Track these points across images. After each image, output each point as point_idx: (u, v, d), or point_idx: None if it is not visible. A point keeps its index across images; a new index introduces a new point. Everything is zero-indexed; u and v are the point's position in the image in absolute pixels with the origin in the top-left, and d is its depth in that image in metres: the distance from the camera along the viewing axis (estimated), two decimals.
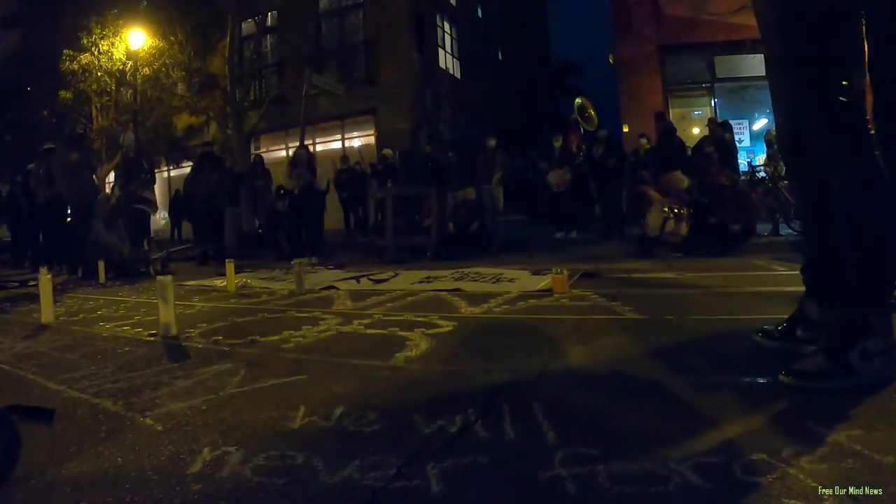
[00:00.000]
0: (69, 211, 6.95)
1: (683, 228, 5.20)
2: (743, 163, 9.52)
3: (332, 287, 3.81)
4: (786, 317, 1.68)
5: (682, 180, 5.74)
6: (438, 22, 15.51)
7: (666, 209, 5.26)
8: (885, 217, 1.36)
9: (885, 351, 1.28)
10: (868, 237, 1.36)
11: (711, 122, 8.74)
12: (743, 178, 7.56)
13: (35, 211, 7.44)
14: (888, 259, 1.35)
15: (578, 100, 5.61)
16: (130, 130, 9.64)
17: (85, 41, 11.99)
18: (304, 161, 7.56)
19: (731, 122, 9.06)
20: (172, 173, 15.64)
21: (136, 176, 6.88)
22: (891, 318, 1.32)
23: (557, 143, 8.11)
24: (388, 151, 9.92)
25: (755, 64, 11.23)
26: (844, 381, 1.27)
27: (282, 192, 8.29)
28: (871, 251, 1.35)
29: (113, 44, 11.96)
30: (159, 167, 15.34)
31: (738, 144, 9.75)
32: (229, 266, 4.09)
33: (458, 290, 3.38)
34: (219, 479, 1.02)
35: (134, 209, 6.43)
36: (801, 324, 1.61)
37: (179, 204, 13.06)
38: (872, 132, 1.36)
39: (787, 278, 3.31)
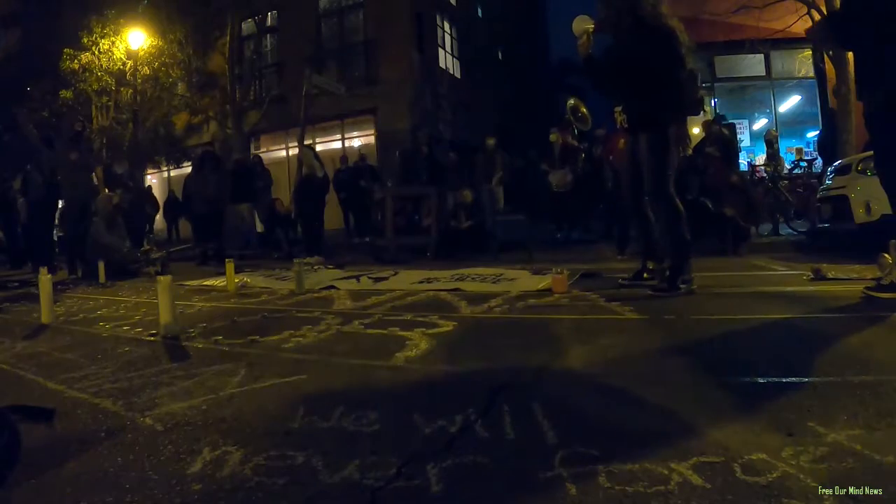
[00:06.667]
0: (67, 211, 6.89)
1: None
2: (743, 163, 9.50)
3: (332, 287, 3.81)
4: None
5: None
6: (438, 22, 15.48)
7: None
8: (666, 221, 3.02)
9: (686, 282, 2.88)
10: (670, 234, 3.02)
11: (706, 126, 8.74)
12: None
13: (33, 210, 7.40)
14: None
15: (571, 100, 5.54)
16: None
17: (85, 40, 11.94)
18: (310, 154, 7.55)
19: (732, 121, 9.00)
20: (172, 173, 15.63)
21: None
22: (688, 267, 2.93)
23: (554, 138, 8.04)
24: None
25: (755, 64, 11.23)
26: (673, 293, 2.82)
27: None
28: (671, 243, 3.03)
29: (113, 42, 11.92)
30: (159, 167, 15.34)
31: (738, 144, 9.71)
32: (229, 266, 4.09)
33: (458, 290, 3.38)
34: (219, 479, 1.02)
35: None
36: (644, 272, 3.24)
37: (175, 204, 13.07)
38: None
39: (787, 278, 3.31)
